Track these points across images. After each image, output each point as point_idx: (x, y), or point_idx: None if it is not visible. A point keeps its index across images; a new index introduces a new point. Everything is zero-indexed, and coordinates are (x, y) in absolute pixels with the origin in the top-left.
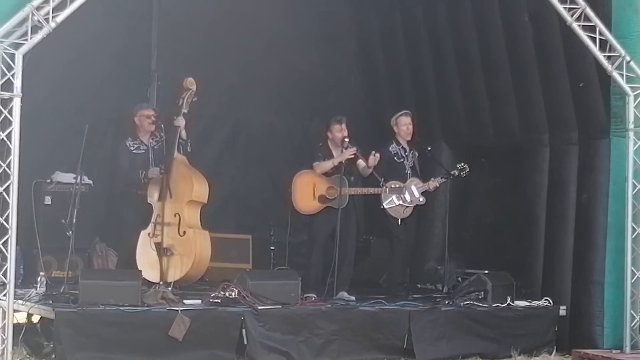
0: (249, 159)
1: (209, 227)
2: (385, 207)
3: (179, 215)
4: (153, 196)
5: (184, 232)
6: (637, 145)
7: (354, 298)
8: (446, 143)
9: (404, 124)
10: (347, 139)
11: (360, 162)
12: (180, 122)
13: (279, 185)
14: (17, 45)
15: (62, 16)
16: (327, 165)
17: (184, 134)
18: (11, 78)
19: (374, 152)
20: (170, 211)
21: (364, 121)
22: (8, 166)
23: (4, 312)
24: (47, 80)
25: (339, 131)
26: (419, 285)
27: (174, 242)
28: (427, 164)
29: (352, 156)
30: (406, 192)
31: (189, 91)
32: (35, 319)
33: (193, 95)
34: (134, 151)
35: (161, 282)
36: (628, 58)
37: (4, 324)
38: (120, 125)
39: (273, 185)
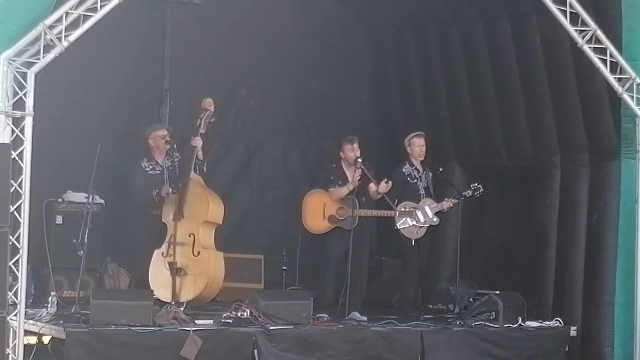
0: (262, 179)
1: (223, 247)
2: (399, 227)
3: (194, 235)
4: (168, 216)
5: (199, 253)
6: None
7: (365, 318)
8: (458, 164)
9: (417, 145)
10: (359, 159)
11: (372, 186)
12: (198, 142)
13: (293, 207)
14: (29, 64)
15: (74, 35)
16: (343, 192)
17: (200, 154)
18: (23, 97)
19: (386, 179)
20: (184, 231)
21: (377, 142)
22: (19, 185)
23: (14, 332)
24: (59, 99)
25: (351, 151)
26: (430, 306)
27: (188, 262)
28: (441, 184)
29: (360, 176)
30: (419, 212)
31: (207, 112)
32: (46, 339)
33: (211, 115)
34: (149, 172)
35: (173, 302)
36: (638, 80)
37: (15, 344)
38: (133, 145)
39: (287, 206)
